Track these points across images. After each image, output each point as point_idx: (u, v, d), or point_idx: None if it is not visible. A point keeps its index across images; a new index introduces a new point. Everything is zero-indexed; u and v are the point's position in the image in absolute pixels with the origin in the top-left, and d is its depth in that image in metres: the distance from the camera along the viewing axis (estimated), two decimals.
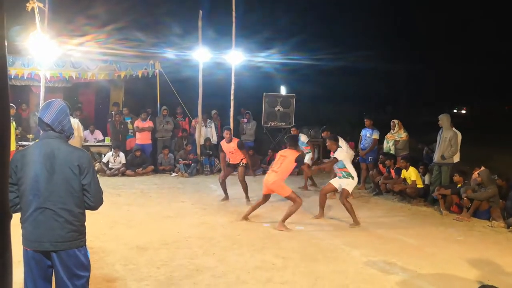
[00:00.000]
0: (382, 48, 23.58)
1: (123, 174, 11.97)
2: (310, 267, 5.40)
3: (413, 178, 9.45)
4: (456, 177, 8.72)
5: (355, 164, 9.79)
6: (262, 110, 14.52)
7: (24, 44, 9.88)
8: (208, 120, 13.74)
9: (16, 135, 10.59)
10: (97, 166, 11.74)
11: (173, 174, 12.37)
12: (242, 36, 13.68)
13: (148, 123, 12.97)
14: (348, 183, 7.71)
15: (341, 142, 9.78)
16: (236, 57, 12.77)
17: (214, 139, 13.51)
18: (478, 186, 8.27)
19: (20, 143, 10.90)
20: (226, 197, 9.17)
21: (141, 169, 12.17)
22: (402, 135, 10.71)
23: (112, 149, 12.24)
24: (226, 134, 8.89)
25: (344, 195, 7.65)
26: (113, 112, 13.44)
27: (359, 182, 9.11)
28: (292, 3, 24.32)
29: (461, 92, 25.89)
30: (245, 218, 7.57)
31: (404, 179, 9.64)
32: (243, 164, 8.84)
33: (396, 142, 10.69)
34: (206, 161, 12.82)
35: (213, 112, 14.33)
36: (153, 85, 13.86)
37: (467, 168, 9.00)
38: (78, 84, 13.98)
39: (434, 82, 26.45)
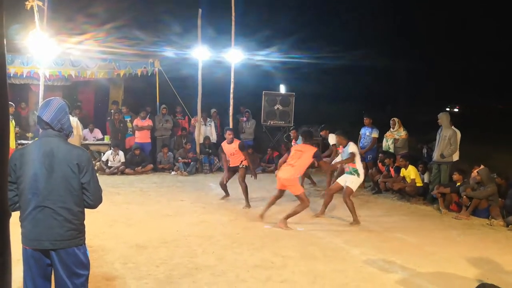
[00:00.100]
0: (381, 46, 23.58)
1: (123, 172, 11.97)
2: (310, 265, 5.40)
3: (412, 177, 9.46)
4: (456, 176, 8.72)
5: None
6: (262, 109, 14.51)
7: (23, 43, 9.87)
8: (208, 119, 13.74)
9: (16, 134, 10.59)
10: (97, 165, 11.74)
11: (173, 173, 12.37)
12: (241, 34, 13.67)
13: (148, 122, 12.96)
14: (353, 181, 7.67)
15: None
16: (236, 56, 12.76)
17: (213, 138, 13.52)
18: (478, 185, 8.28)
19: (19, 141, 10.89)
20: (227, 195, 9.16)
21: (140, 167, 12.17)
22: (402, 133, 10.72)
23: (111, 148, 12.23)
24: (228, 135, 8.75)
25: (347, 193, 7.63)
26: (112, 111, 13.44)
27: None
28: (292, 1, 24.31)
29: (455, 90, 25.91)
30: (261, 216, 7.48)
31: (404, 178, 9.64)
32: (243, 166, 8.72)
33: (395, 141, 10.70)
34: (205, 160, 12.82)
35: (212, 110, 14.32)
36: (152, 83, 13.86)
37: (467, 166, 9.01)
38: (77, 83, 13.96)
39: (434, 80, 26.44)
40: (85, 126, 12.85)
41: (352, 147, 7.73)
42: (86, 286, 3.16)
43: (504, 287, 3.36)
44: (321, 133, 10.92)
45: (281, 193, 7.46)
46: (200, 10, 12.52)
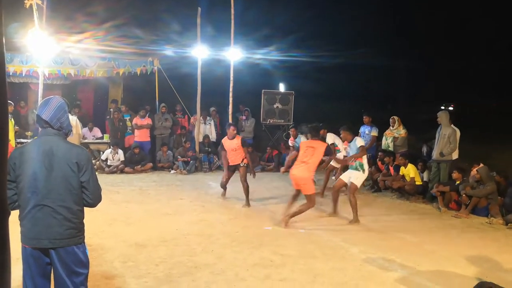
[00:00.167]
0: (381, 45, 23.56)
1: (122, 171, 11.97)
2: (309, 264, 5.41)
3: (411, 175, 9.46)
4: (455, 174, 8.73)
5: None
6: (261, 107, 14.51)
7: (23, 41, 9.87)
8: (208, 118, 13.73)
9: (15, 132, 10.58)
10: (96, 163, 11.74)
11: (172, 171, 12.37)
12: (240, 33, 13.66)
13: (147, 120, 12.96)
14: (358, 177, 7.62)
15: (336, 139, 9.82)
16: (235, 54, 12.76)
17: (213, 137, 13.51)
18: (477, 183, 8.28)
19: (18, 140, 10.88)
20: (224, 193, 9.15)
21: (139, 166, 12.17)
22: (401, 131, 10.73)
23: (111, 147, 12.23)
24: (233, 130, 8.63)
25: (352, 189, 7.58)
26: (111, 110, 13.43)
27: None
28: (291, 0, 24.30)
29: (452, 89, 25.89)
30: (286, 219, 7.14)
31: (403, 176, 9.65)
32: (245, 164, 8.66)
33: (395, 139, 10.71)
34: (205, 158, 12.82)
35: (212, 109, 14.31)
36: (151, 82, 13.85)
37: (466, 165, 9.01)
38: (76, 81, 13.95)
39: (431, 79, 26.44)
40: (84, 124, 12.84)
41: (360, 141, 7.70)
42: (85, 284, 3.16)
43: (503, 285, 3.36)
44: (320, 132, 10.84)
45: (298, 192, 7.26)
46: (199, 9, 12.51)
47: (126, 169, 11.99)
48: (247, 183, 8.57)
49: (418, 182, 9.52)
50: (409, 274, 5.17)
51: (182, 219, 7.41)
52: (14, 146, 9.20)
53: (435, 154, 9.42)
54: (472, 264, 5.63)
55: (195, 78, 12.84)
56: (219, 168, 12.32)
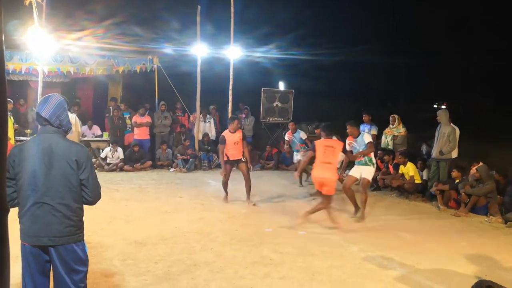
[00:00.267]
0: (381, 43, 23.52)
1: (121, 169, 11.97)
2: (308, 262, 5.41)
3: (411, 174, 9.46)
4: (454, 173, 8.74)
5: None
6: (260, 106, 14.50)
7: (22, 39, 9.86)
8: (208, 116, 13.73)
9: (15, 130, 10.58)
10: (96, 162, 11.73)
11: (171, 170, 12.37)
12: (240, 31, 13.65)
13: (146, 118, 12.96)
14: (370, 172, 7.67)
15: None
16: (235, 52, 12.76)
17: (212, 135, 13.50)
18: (476, 182, 8.29)
19: (17, 138, 10.88)
20: (227, 196, 8.77)
21: (139, 164, 12.17)
22: (401, 130, 10.73)
23: (110, 145, 12.23)
24: (237, 123, 8.59)
25: (365, 185, 7.63)
26: (111, 107, 13.43)
27: None
28: None
29: (449, 87, 25.89)
30: (336, 223, 7.01)
31: (402, 175, 9.66)
32: (245, 160, 8.60)
33: (394, 137, 10.71)
34: (204, 157, 12.82)
35: (211, 107, 14.31)
36: (151, 80, 13.84)
37: (465, 163, 9.01)
38: (76, 79, 13.95)
39: (433, 77, 26.40)
40: (84, 122, 12.84)
41: (368, 137, 7.72)
42: (84, 282, 3.16)
43: (502, 284, 3.37)
44: (316, 131, 10.75)
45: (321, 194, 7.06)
46: (199, 7, 12.51)
47: (126, 167, 11.99)
48: (250, 181, 8.57)
49: (418, 180, 9.53)
50: (408, 273, 5.18)
51: (182, 217, 7.42)
52: (13, 144, 9.19)
53: (434, 153, 9.43)
54: (471, 262, 5.63)
55: (195, 76, 12.84)
56: (219, 166, 12.27)
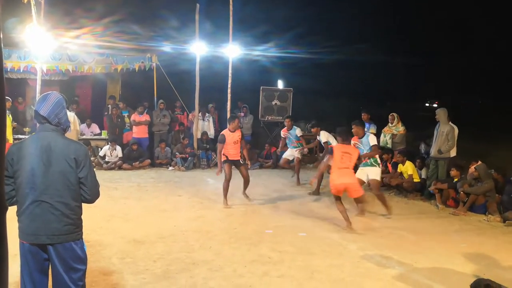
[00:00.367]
0: (380, 42, 23.55)
1: (120, 167, 11.96)
2: (307, 261, 5.41)
3: (409, 172, 9.47)
4: (453, 172, 8.75)
5: None
6: (259, 104, 14.50)
7: (21, 37, 9.84)
8: (206, 114, 13.71)
9: (13, 128, 10.57)
10: (94, 160, 11.72)
11: (170, 168, 12.36)
12: (239, 29, 13.63)
13: (145, 117, 12.93)
14: (377, 172, 7.71)
15: (330, 137, 9.81)
16: (233, 51, 12.73)
17: (211, 133, 13.49)
18: (475, 181, 8.30)
19: (16, 136, 10.87)
20: (226, 202, 8.28)
21: (137, 162, 12.16)
22: (400, 128, 10.73)
23: (109, 143, 12.22)
24: (237, 122, 8.53)
25: (377, 186, 7.67)
26: (109, 106, 13.41)
27: None
28: None
29: (449, 86, 25.94)
30: (349, 226, 6.88)
31: (401, 174, 9.66)
32: (245, 162, 8.59)
33: (393, 136, 10.71)
34: (203, 155, 12.81)
35: (210, 105, 14.28)
36: (150, 78, 13.82)
37: (464, 162, 9.02)
38: (74, 77, 13.91)
39: (433, 76, 26.44)
40: (82, 121, 12.82)
41: (373, 138, 7.72)
42: (83, 280, 3.16)
43: (500, 283, 3.36)
44: (312, 130, 10.61)
45: (341, 199, 6.98)
46: (198, 5, 12.50)
47: (124, 165, 11.98)
48: (249, 182, 8.62)
49: (416, 179, 9.53)
50: (407, 271, 5.18)
51: (180, 216, 7.42)
52: (12, 142, 9.18)
53: (433, 151, 9.44)
54: (470, 261, 5.64)
55: (194, 74, 12.83)
56: (217, 164, 12.26)
